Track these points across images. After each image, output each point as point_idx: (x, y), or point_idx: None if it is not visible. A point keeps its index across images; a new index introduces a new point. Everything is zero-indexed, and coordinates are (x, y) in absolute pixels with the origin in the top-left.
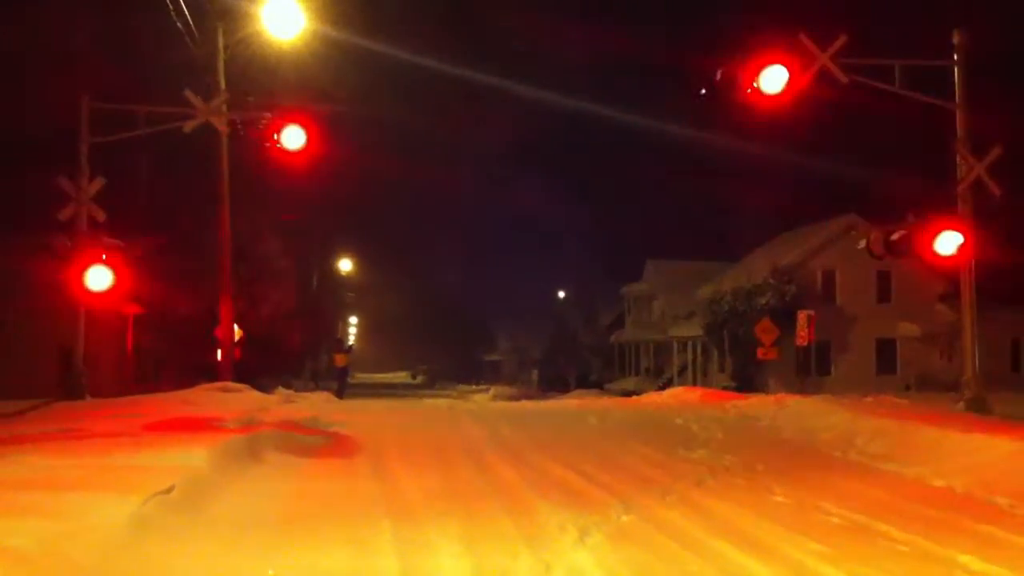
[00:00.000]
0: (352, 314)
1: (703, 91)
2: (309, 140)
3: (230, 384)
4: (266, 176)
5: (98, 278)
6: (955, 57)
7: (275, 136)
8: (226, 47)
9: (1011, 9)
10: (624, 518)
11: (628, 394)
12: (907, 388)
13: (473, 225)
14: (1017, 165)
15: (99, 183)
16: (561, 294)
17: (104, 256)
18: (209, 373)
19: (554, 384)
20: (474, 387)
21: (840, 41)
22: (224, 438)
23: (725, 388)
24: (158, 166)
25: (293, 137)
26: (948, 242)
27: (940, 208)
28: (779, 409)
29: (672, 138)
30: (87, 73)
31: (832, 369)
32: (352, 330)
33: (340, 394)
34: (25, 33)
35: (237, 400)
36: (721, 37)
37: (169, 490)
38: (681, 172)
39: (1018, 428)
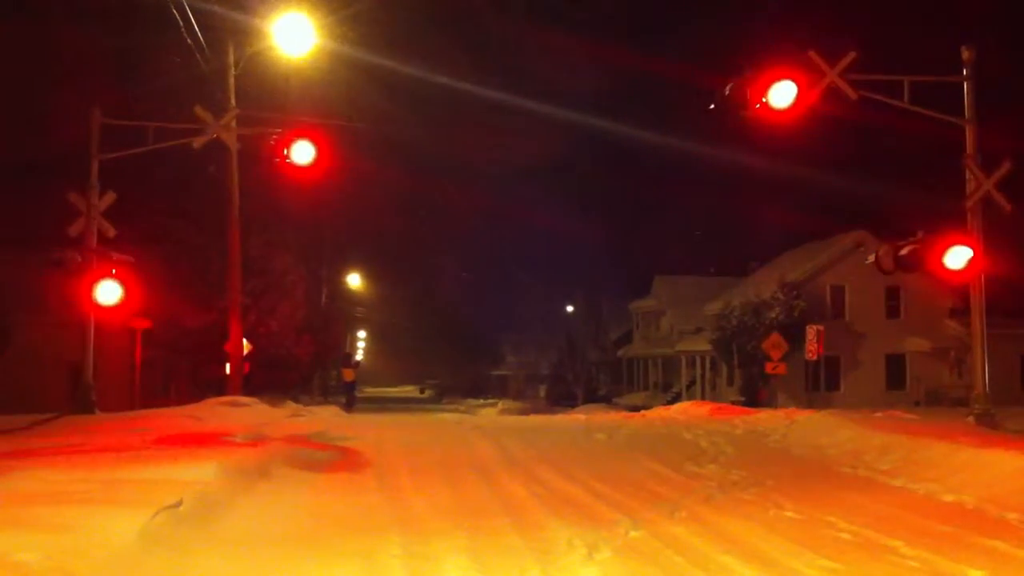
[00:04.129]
0: (361, 328)
1: (712, 106)
2: (319, 155)
3: (239, 398)
4: (276, 191)
5: (108, 292)
6: (964, 73)
7: (284, 151)
8: (237, 63)
9: (1020, 25)
10: (633, 534)
11: (636, 409)
12: (917, 403)
13: (481, 240)
14: None
15: (110, 198)
16: (569, 309)
17: (114, 271)
18: (218, 387)
19: (562, 399)
20: (482, 402)
21: (849, 57)
22: (233, 452)
23: (734, 403)
24: (168, 180)
25: (302, 152)
26: (958, 257)
27: (950, 224)
28: (788, 424)
29: (681, 154)
30: (98, 89)
31: (841, 384)
32: (361, 344)
33: (349, 408)
34: (37, 50)
35: (246, 414)
36: (730, 53)
37: (177, 504)
38: (690, 188)
39: None
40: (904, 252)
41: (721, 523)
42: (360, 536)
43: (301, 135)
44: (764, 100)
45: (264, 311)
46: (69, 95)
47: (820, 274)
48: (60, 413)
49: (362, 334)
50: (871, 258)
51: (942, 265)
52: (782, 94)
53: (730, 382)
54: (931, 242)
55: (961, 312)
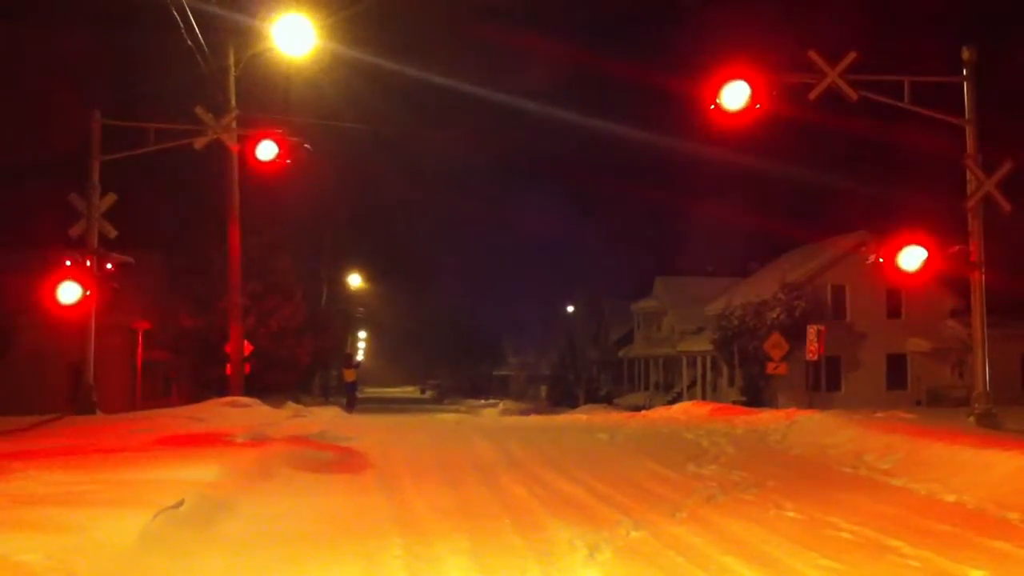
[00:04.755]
0: (361, 329)
1: (712, 106)
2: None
3: (240, 399)
4: (276, 192)
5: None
6: (964, 73)
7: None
8: (237, 64)
9: (1021, 25)
10: (634, 534)
11: (637, 409)
12: (918, 403)
13: (483, 240)
14: None
15: (111, 199)
16: (570, 309)
17: (111, 267)
18: (219, 388)
19: (563, 399)
20: (483, 402)
21: (850, 58)
22: (234, 453)
23: (735, 403)
24: (169, 180)
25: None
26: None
27: (954, 225)
28: (789, 424)
29: (682, 155)
30: (98, 90)
31: (842, 384)
32: (361, 345)
33: (350, 409)
34: (38, 52)
35: (247, 415)
36: (729, 52)
37: (178, 505)
38: (691, 189)
39: None
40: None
41: (722, 523)
42: (361, 537)
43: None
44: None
45: (265, 312)
46: (70, 96)
47: (821, 274)
48: (61, 414)
49: (363, 334)
50: (872, 258)
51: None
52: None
53: (731, 382)
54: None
55: (962, 312)
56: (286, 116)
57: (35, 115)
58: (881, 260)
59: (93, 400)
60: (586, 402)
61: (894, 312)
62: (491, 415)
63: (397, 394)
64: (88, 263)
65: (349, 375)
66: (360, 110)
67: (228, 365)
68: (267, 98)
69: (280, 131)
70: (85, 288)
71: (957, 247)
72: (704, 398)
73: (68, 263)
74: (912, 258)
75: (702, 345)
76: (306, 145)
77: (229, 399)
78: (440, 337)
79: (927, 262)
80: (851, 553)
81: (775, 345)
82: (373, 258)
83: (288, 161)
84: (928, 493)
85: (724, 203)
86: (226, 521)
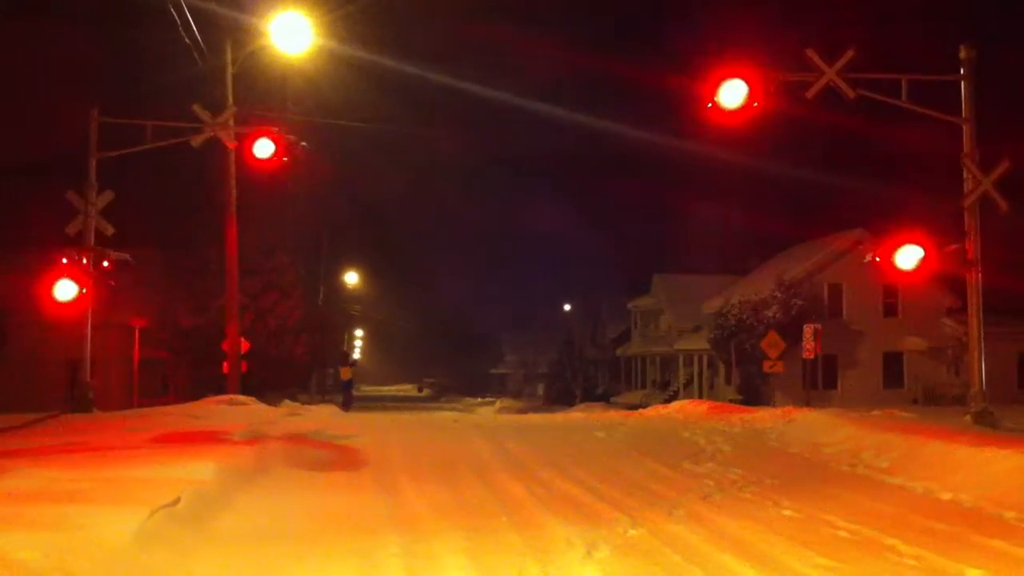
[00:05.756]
0: (358, 327)
1: (710, 104)
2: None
3: (236, 397)
4: (274, 190)
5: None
6: (962, 72)
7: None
8: (234, 62)
9: (1019, 24)
10: (631, 532)
11: (635, 407)
12: (914, 402)
13: (480, 239)
14: None
15: (108, 197)
16: (568, 307)
17: (107, 265)
18: (216, 386)
19: (560, 397)
20: (480, 400)
21: (847, 56)
22: (230, 451)
23: (731, 401)
24: (167, 178)
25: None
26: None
27: (950, 223)
28: (786, 423)
29: (680, 152)
30: (96, 88)
31: (839, 383)
32: (358, 343)
33: (346, 407)
34: (35, 49)
35: (243, 413)
36: (728, 52)
37: (175, 503)
38: (688, 187)
39: None
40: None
41: (719, 521)
42: (358, 535)
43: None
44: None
45: (262, 310)
46: (67, 94)
47: (818, 273)
48: (58, 412)
49: (360, 333)
50: (870, 256)
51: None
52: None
53: (728, 381)
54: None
55: (958, 311)
56: (284, 113)
57: (31, 112)
58: (878, 259)
59: (90, 398)
60: (583, 400)
61: (891, 311)
62: (488, 413)
63: (394, 392)
64: (85, 261)
65: (345, 373)
66: (357, 107)
67: (225, 363)
68: (265, 95)
69: (276, 128)
70: (82, 286)
71: (954, 246)
72: (701, 396)
73: (64, 260)
74: (911, 256)
75: (699, 343)
76: (302, 143)
77: (226, 397)
78: (437, 335)
79: (924, 260)
80: (848, 551)
81: (772, 343)
82: (371, 256)
83: (285, 159)
84: (925, 491)
85: (721, 201)
86: (223, 518)
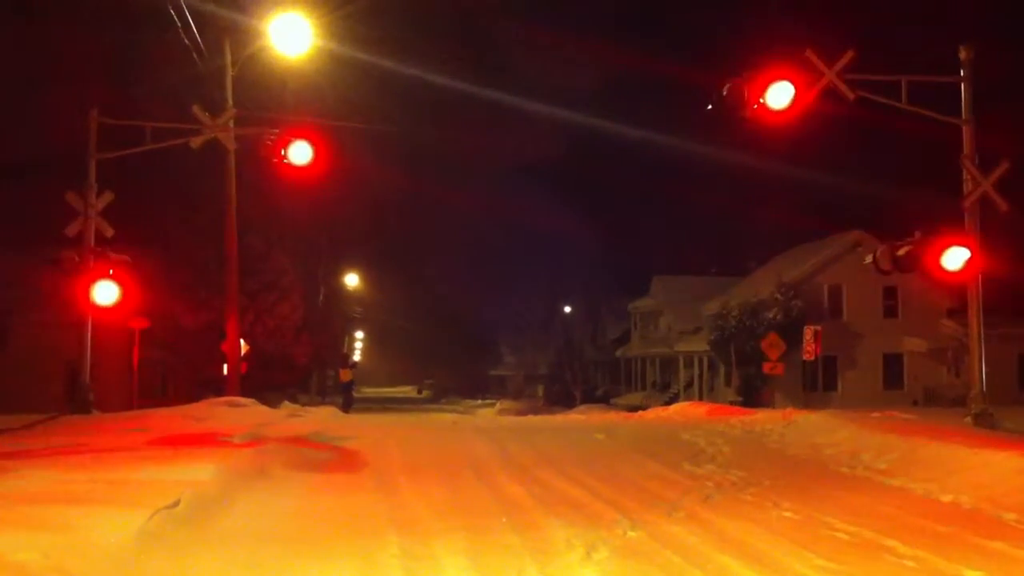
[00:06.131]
0: (358, 329)
1: (709, 106)
2: (316, 155)
3: (236, 399)
4: (274, 191)
5: (105, 292)
6: (962, 73)
7: (282, 152)
8: (234, 63)
9: (1019, 25)
10: (631, 534)
11: (634, 409)
12: (914, 403)
13: (480, 240)
14: None
15: (108, 198)
16: (567, 309)
17: (111, 271)
18: (215, 387)
19: (560, 399)
20: (480, 402)
21: (847, 57)
22: (230, 453)
23: (731, 403)
24: (166, 180)
25: (300, 153)
26: (955, 258)
27: (947, 224)
28: (786, 424)
29: (679, 154)
30: (96, 89)
31: (839, 384)
32: (358, 345)
33: (346, 409)
34: (35, 50)
35: (243, 415)
36: (728, 52)
37: (175, 505)
38: (689, 189)
39: None
40: (901, 253)
41: (719, 523)
42: (358, 536)
43: (299, 135)
44: (761, 100)
45: (262, 311)
46: (67, 95)
47: (818, 274)
48: (58, 413)
49: (360, 334)
50: (869, 258)
51: (939, 266)
52: (780, 95)
53: (728, 382)
54: (928, 243)
55: (958, 312)
56: (283, 115)
57: (31, 113)
58: (875, 259)
59: (90, 399)
60: (583, 402)
61: (891, 312)
62: (488, 415)
63: (394, 394)
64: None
65: (345, 375)
66: (357, 108)
67: (225, 364)
68: (265, 97)
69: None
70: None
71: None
72: (701, 398)
73: (64, 262)
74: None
75: (699, 345)
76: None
77: (226, 399)
78: (437, 337)
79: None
80: (848, 553)
81: (772, 345)
82: (371, 258)
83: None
84: (924, 493)
85: (721, 202)
86: (222, 520)
